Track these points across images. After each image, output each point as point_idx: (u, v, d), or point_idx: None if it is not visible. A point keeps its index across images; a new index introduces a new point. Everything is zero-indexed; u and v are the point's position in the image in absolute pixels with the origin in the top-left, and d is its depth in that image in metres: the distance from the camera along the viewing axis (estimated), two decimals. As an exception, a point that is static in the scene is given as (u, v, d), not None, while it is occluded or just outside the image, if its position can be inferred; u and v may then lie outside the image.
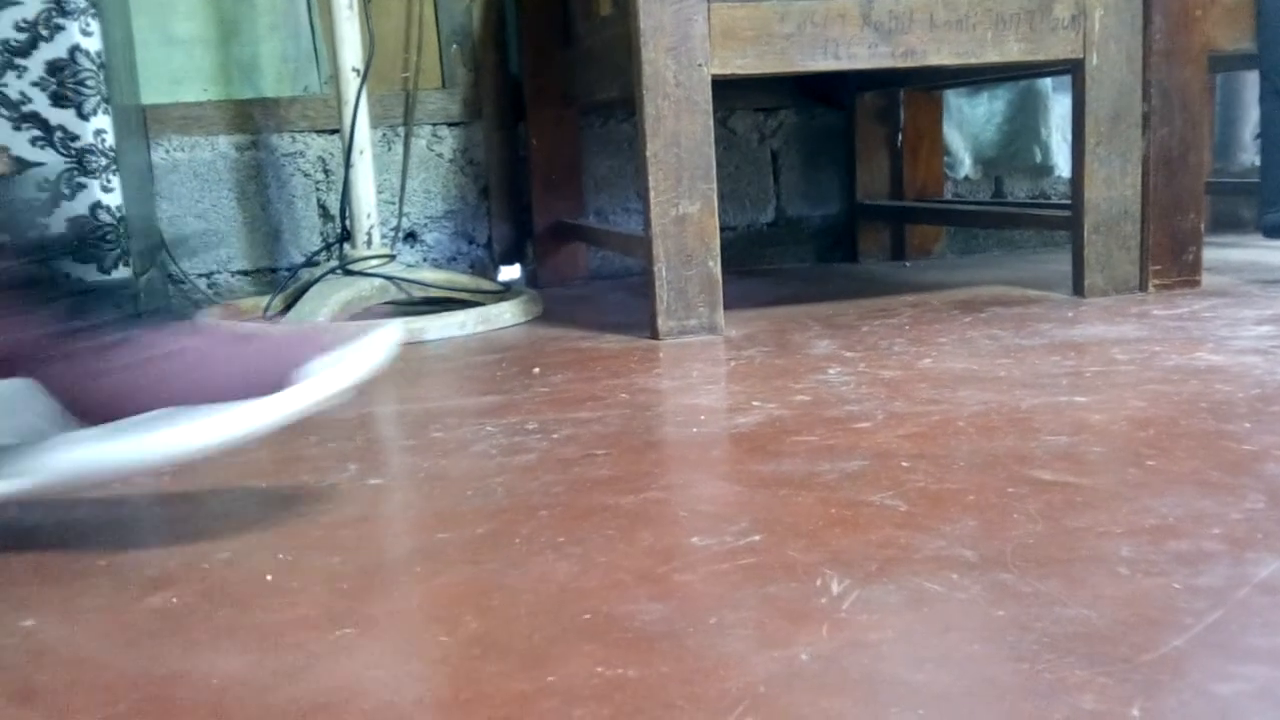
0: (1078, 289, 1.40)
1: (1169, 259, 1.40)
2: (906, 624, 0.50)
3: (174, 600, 0.57)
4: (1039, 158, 2.05)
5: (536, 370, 1.13)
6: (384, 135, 1.84)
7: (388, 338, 0.69)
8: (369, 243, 1.56)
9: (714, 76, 1.27)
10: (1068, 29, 1.35)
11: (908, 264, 1.93)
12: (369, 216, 1.56)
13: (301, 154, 1.82)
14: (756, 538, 0.62)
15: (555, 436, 0.86)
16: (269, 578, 0.60)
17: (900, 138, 1.97)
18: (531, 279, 1.89)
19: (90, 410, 0.65)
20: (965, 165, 2.06)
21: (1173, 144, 1.38)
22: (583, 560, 0.60)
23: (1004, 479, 0.69)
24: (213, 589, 0.59)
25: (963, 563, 0.57)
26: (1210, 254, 1.72)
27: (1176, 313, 1.25)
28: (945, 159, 2.03)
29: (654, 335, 1.28)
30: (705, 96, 1.27)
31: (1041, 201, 2.04)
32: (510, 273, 1.91)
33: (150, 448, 0.65)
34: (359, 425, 0.95)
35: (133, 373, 0.65)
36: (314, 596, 0.57)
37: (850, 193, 1.98)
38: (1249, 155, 2.15)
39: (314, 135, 1.82)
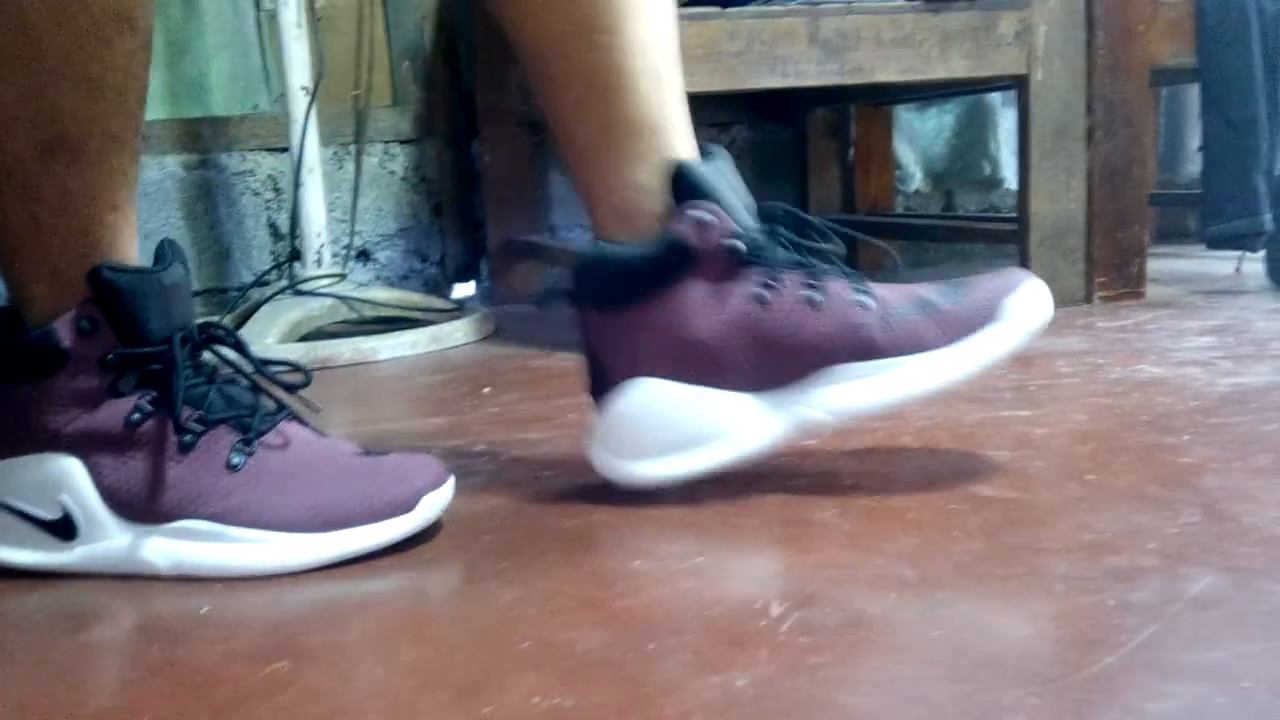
0: (1025, 302, 1.41)
1: (1114, 271, 1.42)
2: (845, 646, 0.50)
3: (106, 635, 0.57)
4: (988, 171, 2.08)
5: (487, 390, 1.13)
6: (335, 153, 1.83)
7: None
8: (319, 262, 1.55)
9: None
10: (1012, 45, 1.36)
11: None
12: (319, 235, 1.55)
13: (251, 173, 1.81)
14: (699, 560, 0.62)
15: (503, 459, 0.86)
16: (204, 611, 0.59)
17: (852, 152, 1.99)
18: (486, 296, 1.88)
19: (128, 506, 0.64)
20: (916, 179, 2.08)
21: (1116, 158, 1.40)
22: (525, 586, 0.60)
23: (945, 496, 0.70)
24: (146, 623, 0.58)
25: (902, 582, 0.57)
26: (1156, 265, 1.75)
27: (1121, 325, 1.26)
28: (896, 173, 2.05)
29: (606, 353, 1.27)
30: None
31: (990, 215, 2.06)
32: (464, 290, 1.90)
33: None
34: (305, 449, 0.93)
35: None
36: (249, 630, 0.56)
37: (804, 207, 1.99)
38: (1194, 167, 2.19)
39: (264, 154, 1.81)
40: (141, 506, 0.64)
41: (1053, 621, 0.51)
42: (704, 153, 0.72)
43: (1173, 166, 2.23)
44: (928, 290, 0.71)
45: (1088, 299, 1.41)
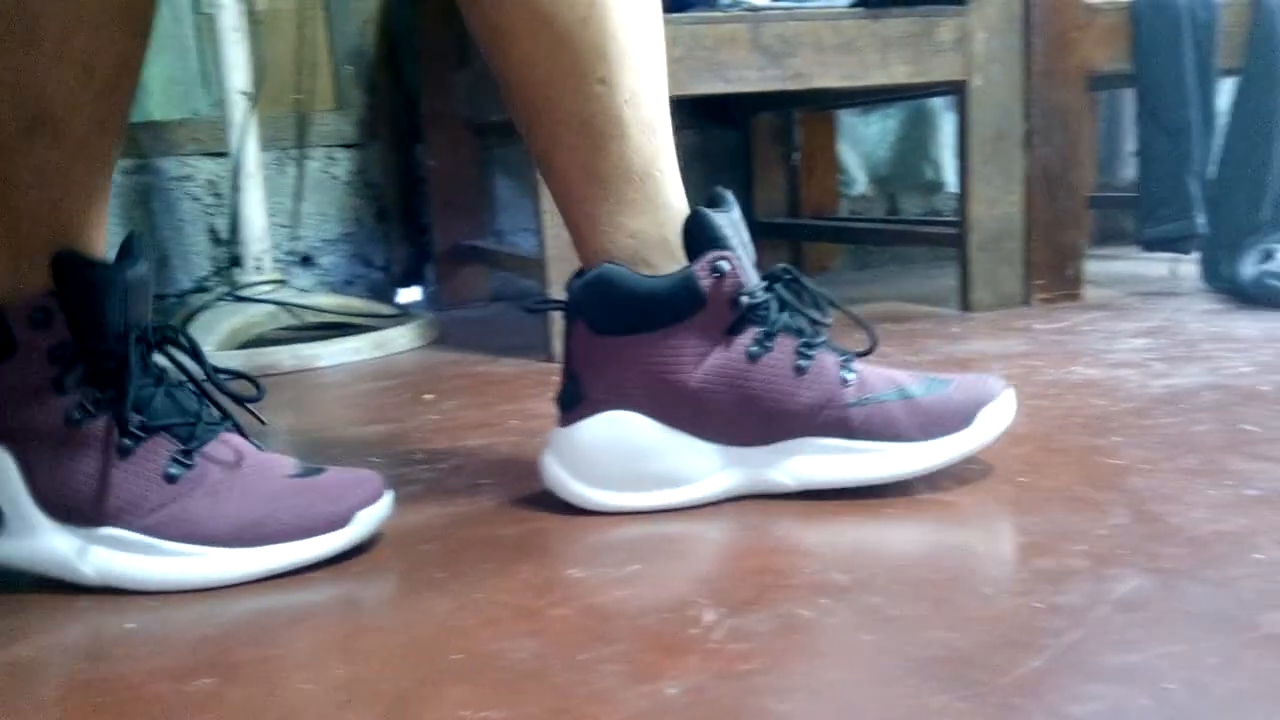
0: (965, 304, 1.43)
1: (1052, 274, 1.44)
2: (777, 652, 0.50)
3: (26, 653, 0.55)
4: (930, 175, 2.10)
5: (429, 397, 1.12)
6: (276, 158, 1.81)
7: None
8: (260, 268, 1.53)
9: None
10: (951, 51, 1.38)
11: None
12: (259, 241, 1.53)
13: (190, 178, 1.78)
14: (635, 567, 0.62)
15: (442, 467, 0.85)
16: (130, 626, 0.58)
17: (796, 157, 2.00)
18: (432, 301, 1.87)
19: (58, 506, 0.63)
20: (860, 183, 2.09)
21: (1054, 162, 1.42)
22: (460, 597, 0.59)
23: (880, 500, 0.70)
24: (69, 641, 0.57)
25: (835, 587, 0.57)
26: (1094, 267, 1.78)
27: (1057, 327, 1.28)
28: (841, 177, 2.07)
29: (550, 358, 1.27)
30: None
31: (932, 218, 2.08)
32: (410, 295, 1.89)
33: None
34: (242, 459, 0.92)
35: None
36: (175, 646, 0.55)
37: (749, 211, 2.00)
38: (1132, 170, 2.23)
39: (203, 158, 1.78)
40: (73, 508, 0.62)
41: (980, 625, 0.52)
42: (717, 198, 0.73)
43: (1112, 170, 2.27)
44: (908, 378, 0.73)
45: (1026, 301, 1.43)
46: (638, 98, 0.70)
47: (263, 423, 0.71)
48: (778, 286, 0.72)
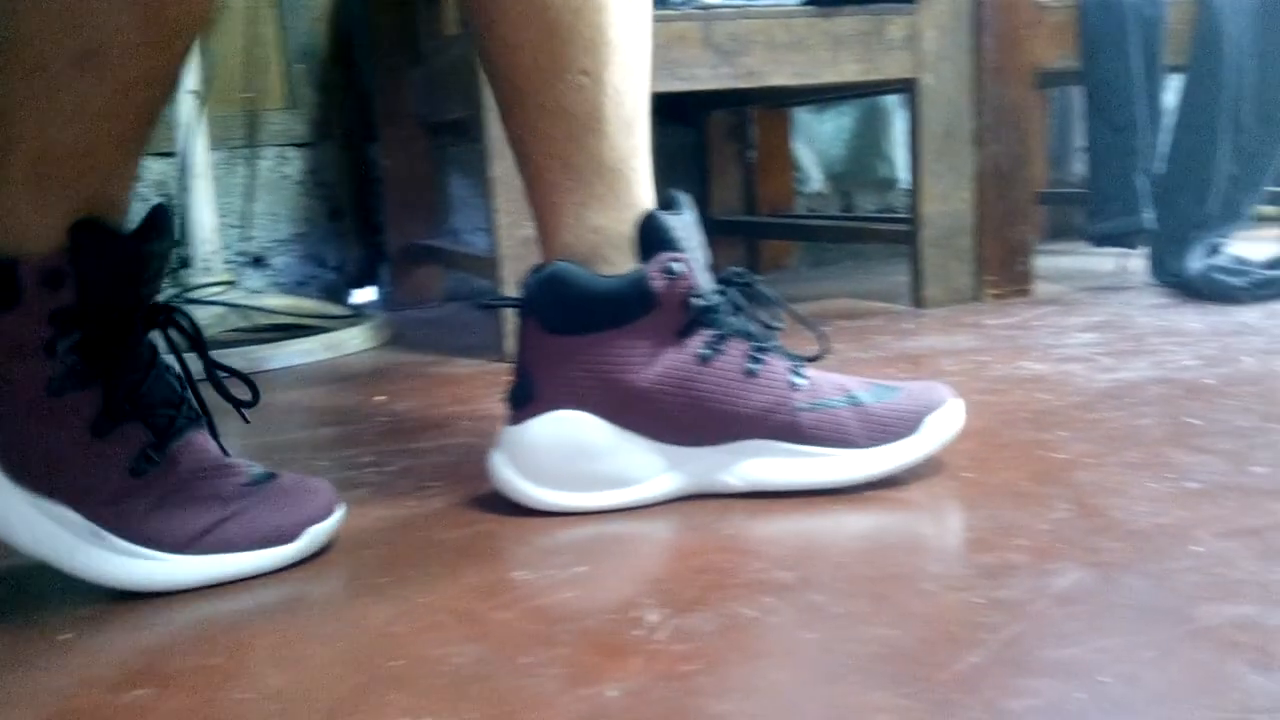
0: (917, 301, 1.44)
1: (1002, 270, 1.45)
2: (719, 652, 0.50)
3: (-42, 666, 0.54)
4: (884, 172, 2.11)
5: (380, 398, 1.11)
6: (226, 157, 1.79)
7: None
8: (209, 269, 1.51)
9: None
10: (901, 49, 1.39)
11: (760, 278, 1.95)
12: (208, 242, 1.51)
13: (138, 177, 1.75)
14: (582, 569, 0.62)
15: (391, 469, 0.84)
16: (64, 637, 0.57)
17: (752, 154, 2.00)
18: (386, 302, 1.86)
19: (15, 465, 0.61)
20: (815, 180, 2.10)
21: (1004, 159, 1.43)
22: (403, 602, 0.59)
23: (827, 496, 0.70)
24: (2, 651, 0.55)
25: (779, 586, 0.57)
26: (1045, 262, 1.80)
27: (1007, 322, 1.29)
28: (796, 174, 2.07)
29: (503, 359, 1.27)
30: (548, 117, 1.27)
31: (886, 215, 2.09)
32: (364, 296, 1.87)
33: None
34: (187, 464, 0.91)
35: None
36: (111, 655, 0.54)
37: (705, 208, 2.00)
38: (1082, 166, 2.25)
39: (151, 158, 1.75)
40: (28, 471, 0.61)
41: (921, 621, 0.52)
42: (672, 200, 0.72)
43: (1063, 166, 2.29)
44: (858, 385, 0.73)
45: (977, 297, 1.44)
46: (620, 94, 0.70)
47: (248, 422, 0.70)
48: (730, 290, 0.72)
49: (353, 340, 1.41)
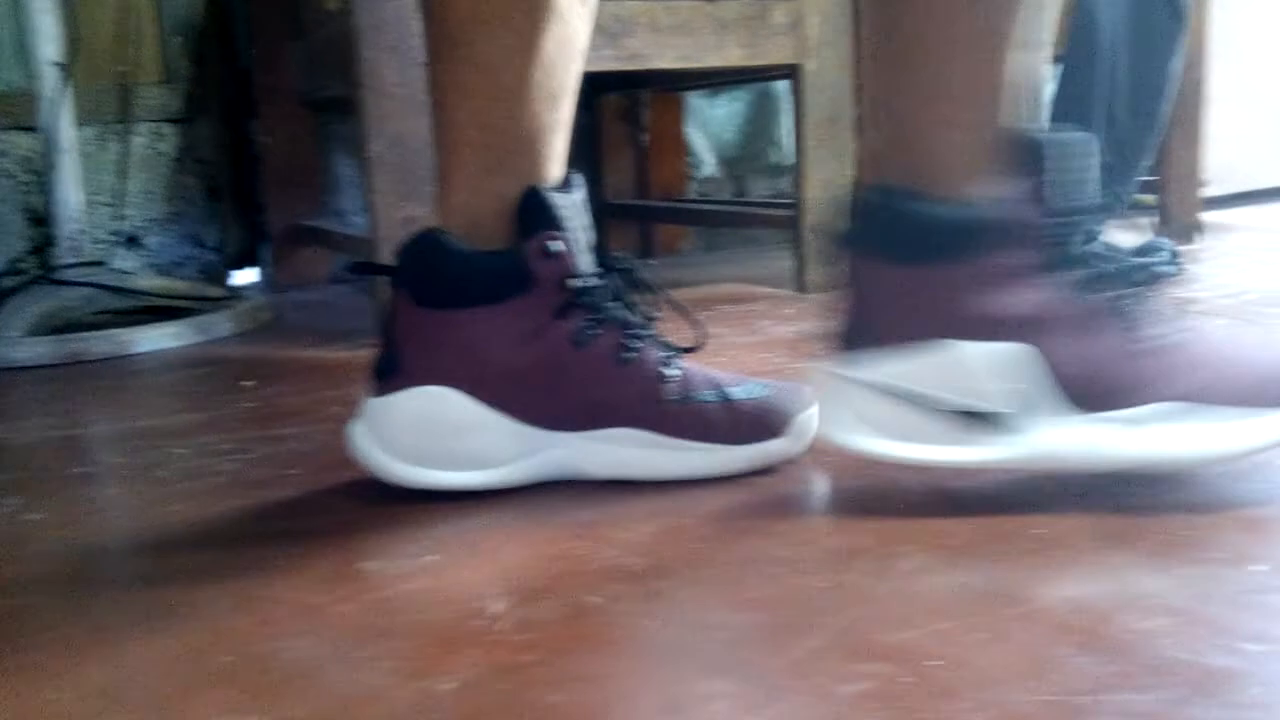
0: (800, 286, 1.45)
1: (884, 256, 1.46)
2: (560, 642, 0.50)
3: None
4: (775, 158, 2.13)
5: (249, 383, 1.08)
6: (98, 133, 1.72)
7: None
8: (76, 249, 1.45)
9: (436, 76, 1.24)
10: (785, 35, 1.39)
11: (654, 262, 1.96)
12: (76, 221, 1.45)
13: (4, 153, 1.68)
14: (432, 558, 0.60)
15: (249, 456, 0.82)
16: (-128, 637, 0.54)
17: (644, 138, 2.00)
18: (267, 284, 1.81)
19: (1087, 394, 0.62)
20: (708, 165, 2.11)
21: (885, 146, 1.45)
22: (242, 594, 0.57)
23: (689, 481, 0.70)
24: None
25: (629, 573, 0.57)
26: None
27: (886, 308, 1.31)
28: (689, 159, 2.07)
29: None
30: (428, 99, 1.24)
31: (774, 200, 2.11)
32: (245, 277, 1.82)
33: (1162, 447, 0.62)
34: (35, 451, 0.87)
35: (1140, 362, 0.63)
36: (-77, 655, 0.51)
37: (597, 191, 1.99)
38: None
39: (18, 133, 1.68)
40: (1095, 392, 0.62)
41: (765, 606, 0.52)
42: (565, 178, 0.71)
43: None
44: (730, 380, 0.73)
45: (859, 283, 1.46)
46: (552, 65, 0.69)
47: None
48: (611, 275, 0.71)
49: (226, 323, 1.37)
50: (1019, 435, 0.63)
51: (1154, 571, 0.54)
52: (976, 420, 0.63)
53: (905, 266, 0.64)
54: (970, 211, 0.63)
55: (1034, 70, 0.64)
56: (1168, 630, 0.48)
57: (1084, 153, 0.63)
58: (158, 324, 1.32)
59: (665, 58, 1.34)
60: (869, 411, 0.65)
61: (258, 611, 0.54)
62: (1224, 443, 0.62)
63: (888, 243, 0.64)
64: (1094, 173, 0.64)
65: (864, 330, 0.66)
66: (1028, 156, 0.62)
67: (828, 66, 1.42)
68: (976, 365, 0.63)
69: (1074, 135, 0.63)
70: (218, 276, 1.79)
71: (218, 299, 1.49)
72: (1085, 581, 0.53)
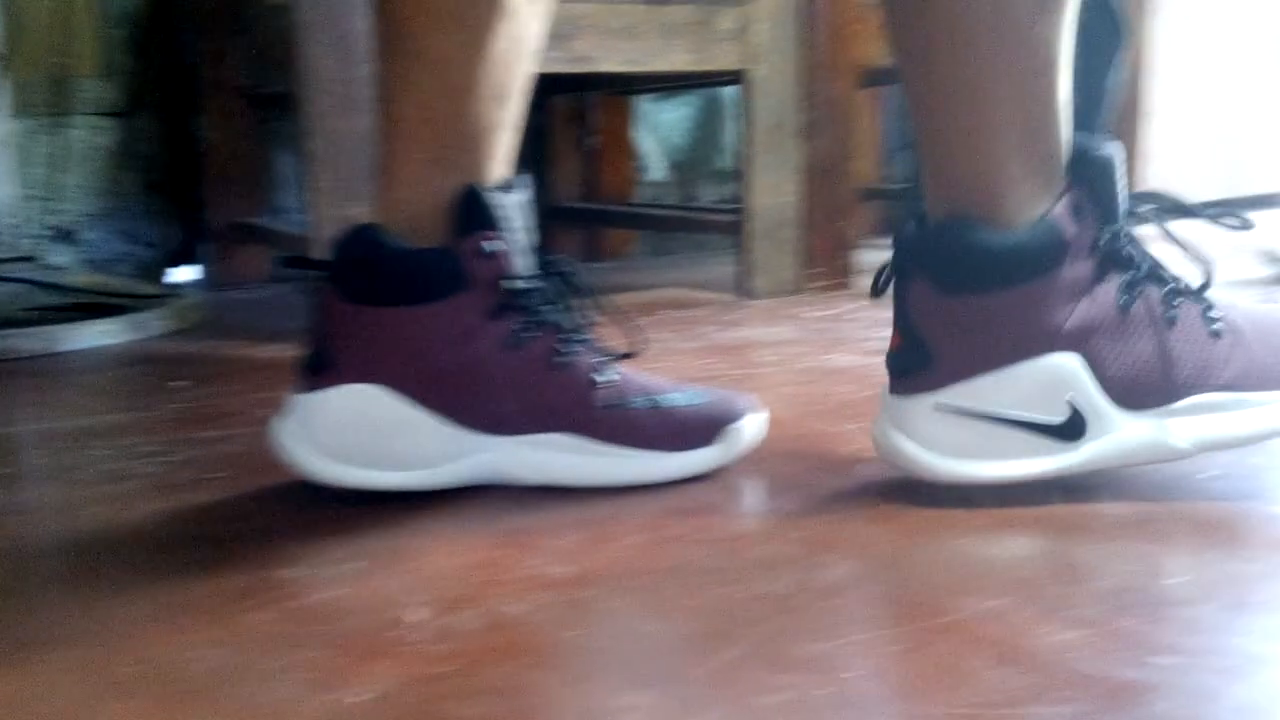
0: (745, 291, 1.45)
1: (826, 263, 1.47)
2: (477, 652, 0.49)
3: None
4: (723, 163, 2.13)
5: (179, 383, 1.06)
6: (32, 126, 1.68)
7: None
8: (10, 244, 1.41)
9: (379, 75, 1.23)
10: (732, 41, 1.39)
11: (600, 265, 1.95)
12: (8, 215, 1.42)
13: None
14: (354, 565, 0.59)
15: (173, 459, 0.80)
16: None
17: (592, 141, 1.99)
18: (207, 282, 1.78)
19: (1132, 393, 0.65)
20: (656, 169, 2.11)
21: (829, 154, 1.46)
22: (153, 602, 0.55)
23: (618, 489, 0.70)
24: None
25: (552, 581, 0.56)
26: (871, 256, 1.83)
27: (826, 314, 1.32)
28: (637, 163, 2.07)
29: (318, 343, 1.22)
30: (370, 95, 1.23)
31: (721, 206, 2.11)
32: (183, 275, 1.79)
33: (1213, 433, 0.66)
34: (-49, 453, 0.85)
35: (1179, 357, 0.66)
36: None
37: (544, 194, 1.98)
38: (906, 164, 2.32)
39: (-52, 123, 1.64)
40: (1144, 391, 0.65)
41: (687, 616, 0.52)
42: (509, 179, 0.70)
43: (896, 162, 2.35)
44: (664, 387, 0.72)
45: (801, 289, 1.47)
46: (502, 63, 0.68)
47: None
48: (549, 278, 0.70)
49: (160, 322, 1.34)
50: (1084, 441, 0.66)
51: (1073, 583, 0.54)
52: (1044, 432, 0.65)
53: (968, 296, 0.65)
54: (1029, 236, 0.64)
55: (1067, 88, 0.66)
56: (1083, 643, 0.48)
57: (1121, 161, 0.66)
58: (89, 321, 1.29)
59: (612, 61, 1.33)
60: (943, 435, 0.66)
61: (169, 619, 0.53)
62: (1263, 424, 0.67)
63: (950, 275, 0.65)
64: (1125, 178, 0.66)
65: (919, 358, 0.67)
66: (1078, 173, 0.65)
67: (775, 73, 1.42)
68: (1038, 380, 0.65)
69: (1111, 145, 0.65)
70: (155, 274, 1.76)
71: (153, 296, 1.46)
72: (1006, 593, 0.53)
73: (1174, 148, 2.09)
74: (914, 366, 0.67)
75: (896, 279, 0.68)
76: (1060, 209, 0.64)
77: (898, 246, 0.68)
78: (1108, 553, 0.58)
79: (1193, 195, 0.74)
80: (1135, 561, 0.57)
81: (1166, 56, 2.06)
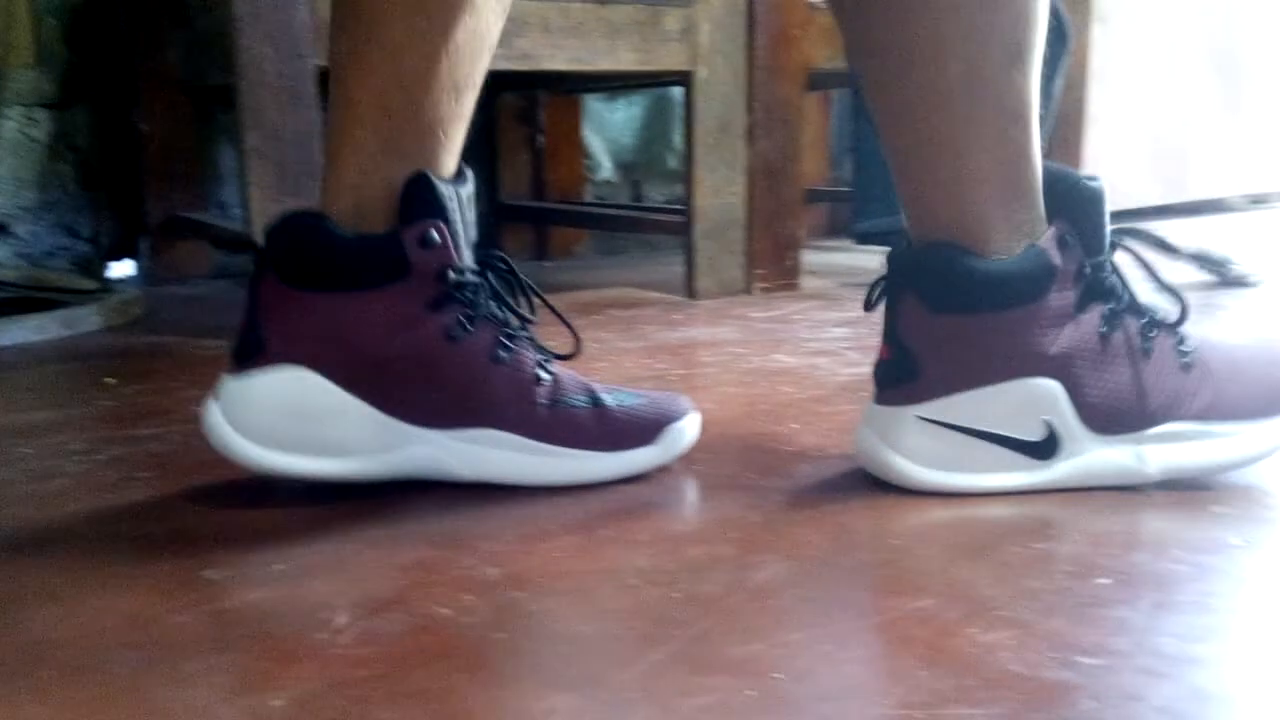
0: (690, 292, 1.45)
1: (772, 264, 1.48)
2: (402, 655, 0.48)
3: None
4: (672, 163, 2.13)
5: (110, 381, 1.04)
6: (-36, 115, 1.64)
7: None
8: (-66, 236, 1.38)
9: (320, 69, 1.22)
10: (678, 42, 1.39)
11: (547, 264, 1.94)
12: (-67, 206, 1.38)
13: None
14: (280, 567, 0.58)
15: (100, 458, 0.78)
16: None
17: (541, 139, 1.98)
18: (145, 277, 1.74)
19: (1109, 421, 0.67)
20: (605, 168, 2.10)
21: (774, 155, 1.46)
22: (74, 604, 0.54)
23: (556, 488, 0.69)
24: None
25: (483, 582, 0.56)
26: (816, 258, 1.85)
27: (771, 315, 1.32)
28: (586, 162, 2.07)
29: (257, 340, 1.20)
30: (310, 89, 1.21)
31: (670, 206, 2.11)
32: (121, 269, 1.75)
33: (1178, 460, 0.68)
34: None
35: (1151, 388, 0.68)
36: None
37: (493, 192, 1.97)
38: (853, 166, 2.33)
39: (-125, 111, 1.59)
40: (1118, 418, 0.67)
41: (618, 617, 0.51)
42: (456, 172, 0.70)
43: (843, 164, 2.37)
44: (602, 388, 0.72)
45: (747, 290, 1.47)
46: (459, 55, 0.66)
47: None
48: (489, 273, 0.70)
49: (94, 317, 1.31)
50: (1056, 460, 0.67)
51: (1001, 583, 0.55)
52: (1020, 449, 0.67)
53: (957, 315, 0.66)
54: (1017, 264, 0.66)
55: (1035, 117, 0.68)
56: (1009, 643, 0.48)
57: (1104, 195, 0.67)
58: (20, 316, 1.26)
59: (557, 59, 1.33)
60: (923, 447, 0.67)
61: (88, 622, 0.52)
62: (1227, 453, 0.69)
63: (941, 294, 0.66)
64: (1108, 213, 0.68)
65: (906, 371, 0.68)
66: (1066, 206, 0.66)
67: (719, 75, 1.42)
68: (1019, 399, 0.66)
69: (1094, 180, 0.67)
70: (92, 268, 1.72)
71: (88, 291, 1.43)
72: (934, 593, 0.54)
73: (1116, 153, 2.12)
74: (900, 379, 0.68)
75: (889, 294, 0.69)
76: (1048, 239, 0.66)
77: (892, 263, 0.69)
78: (1037, 554, 0.58)
79: (1134, 200, 0.76)
80: (1065, 563, 0.57)
81: (1110, 64, 2.10)
